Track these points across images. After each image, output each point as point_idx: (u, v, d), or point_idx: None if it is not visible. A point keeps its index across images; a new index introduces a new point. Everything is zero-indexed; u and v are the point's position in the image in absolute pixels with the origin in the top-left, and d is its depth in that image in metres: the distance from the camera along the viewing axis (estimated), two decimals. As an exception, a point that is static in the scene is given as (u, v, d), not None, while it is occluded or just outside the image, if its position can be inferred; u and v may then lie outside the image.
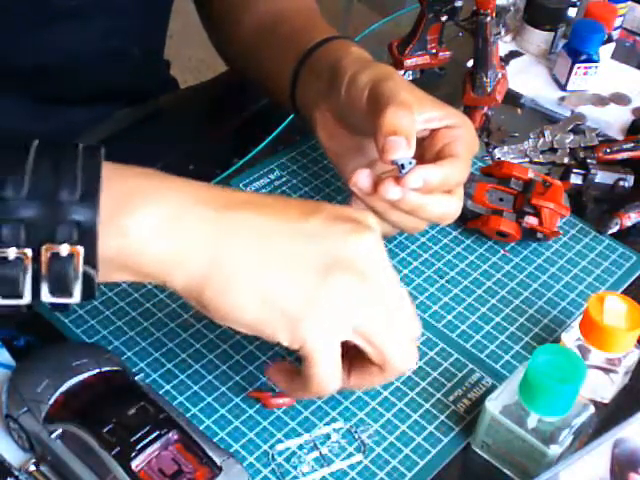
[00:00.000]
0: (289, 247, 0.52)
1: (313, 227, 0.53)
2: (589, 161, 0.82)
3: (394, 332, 0.54)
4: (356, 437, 0.60)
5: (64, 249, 0.47)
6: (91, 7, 0.77)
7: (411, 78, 0.93)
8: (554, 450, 0.55)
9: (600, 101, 0.95)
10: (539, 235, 0.74)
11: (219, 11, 0.88)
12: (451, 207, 0.65)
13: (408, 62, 0.92)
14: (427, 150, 0.66)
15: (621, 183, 0.80)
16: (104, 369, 0.57)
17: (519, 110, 0.95)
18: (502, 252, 0.75)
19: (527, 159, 0.85)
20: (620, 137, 0.89)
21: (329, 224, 0.53)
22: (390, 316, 0.53)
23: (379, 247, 0.54)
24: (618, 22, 1.03)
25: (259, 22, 0.83)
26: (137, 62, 0.86)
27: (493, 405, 0.57)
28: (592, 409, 0.58)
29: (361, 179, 0.61)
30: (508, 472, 0.59)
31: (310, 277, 0.51)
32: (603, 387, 0.63)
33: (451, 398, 0.63)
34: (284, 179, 0.80)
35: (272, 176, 0.80)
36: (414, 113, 0.62)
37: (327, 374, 0.52)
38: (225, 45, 0.89)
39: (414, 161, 0.60)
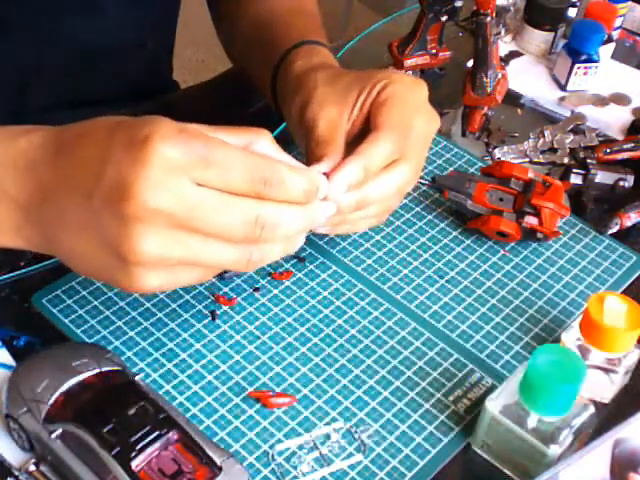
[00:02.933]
0: (82, 214, 0.51)
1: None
2: (589, 161, 0.82)
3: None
4: (356, 437, 0.60)
5: None
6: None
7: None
8: (554, 450, 0.55)
9: (600, 101, 0.95)
10: (539, 235, 0.74)
11: (225, 9, 0.89)
12: (397, 179, 0.63)
13: (408, 62, 0.92)
14: (371, 122, 0.64)
15: (621, 183, 0.80)
16: (104, 369, 0.57)
17: (519, 110, 0.95)
18: (502, 252, 0.75)
19: (527, 159, 0.85)
20: (620, 137, 0.89)
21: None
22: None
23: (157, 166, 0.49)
24: (618, 22, 1.03)
25: (255, 21, 0.83)
26: (151, 57, 0.87)
27: (493, 405, 0.57)
28: (592, 409, 0.58)
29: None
30: (508, 472, 0.59)
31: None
32: (603, 387, 0.63)
33: (451, 398, 0.63)
34: (284, 179, 0.80)
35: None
36: (332, 142, 0.63)
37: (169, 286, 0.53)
38: (228, 43, 0.90)
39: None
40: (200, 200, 0.49)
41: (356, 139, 0.64)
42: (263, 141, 0.54)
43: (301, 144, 0.68)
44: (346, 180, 0.60)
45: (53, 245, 0.54)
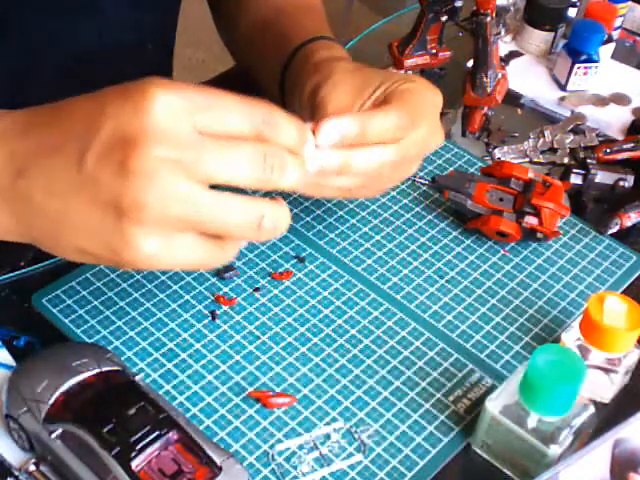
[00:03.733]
0: (73, 198, 0.49)
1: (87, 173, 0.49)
2: (589, 161, 0.82)
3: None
4: (356, 437, 0.60)
5: None
6: (103, 0, 0.78)
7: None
8: (554, 450, 0.55)
9: (600, 101, 0.95)
10: (539, 235, 0.74)
11: (226, 9, 0.89)
12: (389, 155, 0.61)
13: (408, 62, 0.92)
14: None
15: (621, 183, 0.80)
16: (104, 369, 0.57)
17: (519, 110, 0.95)
18: (502, 252, 0.75)
19: (527, 159, 0.85)
20: (620, 137, 0.89)
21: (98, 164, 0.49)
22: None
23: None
24: (618, 22, 1.03)
25: (257, 20, 0.83)
26: (151, 57, 0.87)
27: (493, 405, 0.57)
28: (592, 409, 0.58)
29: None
30: (508, 472, 0.59)
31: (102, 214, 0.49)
32: (603, 387, 0.63)
33: (451, 398, 0.63)
34: (284, 179, 0.80)
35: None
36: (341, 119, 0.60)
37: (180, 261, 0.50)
38: (231, 43, 0.91)
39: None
40: (207, 145, 0.48)
41: None
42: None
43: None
44: (338, 128, 0.57)
45: (30, 226, 0.51)
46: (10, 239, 0.53)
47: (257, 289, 0.69)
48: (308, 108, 0.66)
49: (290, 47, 0.75)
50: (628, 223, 0.78)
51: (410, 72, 0.93)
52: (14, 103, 0.81)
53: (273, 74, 0.77)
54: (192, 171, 0.48)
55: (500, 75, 0.84)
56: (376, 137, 0.60)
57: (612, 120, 0.92)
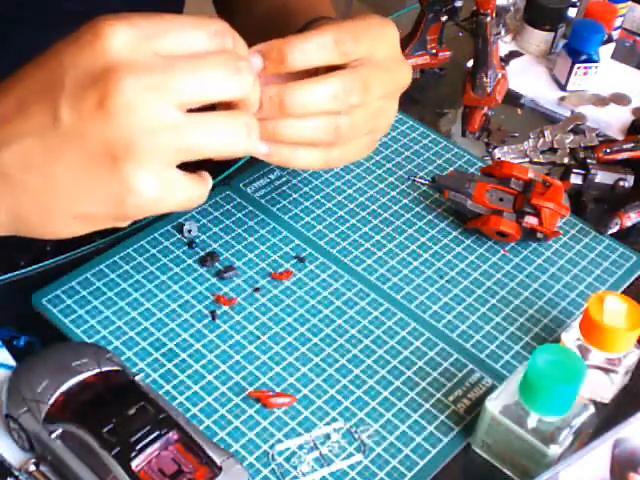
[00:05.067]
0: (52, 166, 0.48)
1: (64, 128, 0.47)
2: (589, 161, 0.82)
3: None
4: (356, 437, 0.60)
5: None
6: (102, 13, 0.77)
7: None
8: (554, 450, 0.55)
9: (600, 101, 0.95)
10: (539, 235, 0.74)
11: (233, 2, 0.88)
12: (334, 85, 0.56)
13: (408, 62, 0.92)
14: None
15: (621, 183, 0.80)
16: (104, 369, 0.57)
17: (519, 110, 0.95)
18: (502, 252, 0.75)
19: (527, 159, 0.85)
20: (620, 137, 0.89)
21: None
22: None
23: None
24: (618, 22, 1.03)
25: (268, 11, 0.82)
26: None
27: (493, 405, 0.57)
28: (592, 409, 0.58)
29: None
30: (508, 472, 0.59)
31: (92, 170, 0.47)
32: (603, 387, 0.63)
33: (451, 398, 0.63)
34: (284, 179, 0.80)
35: (272, 176, 0.80)
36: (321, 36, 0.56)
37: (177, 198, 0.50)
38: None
39: None
40: (175, 64, 0.47)
41: None
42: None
43: None
44: (265, 47, 0.55)
45: (15, 209, 0.50)
46: None
47: (257, 289, 0.69)
48: None
49: (302, 22, 0.72)
50: (628, 223, 0.78)
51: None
52: None
53: None
54: (170, 93, 0.47)
55: (500, 75, 0.84)
56: (311, 59, 0.55)
57: (612, 120, 0.92)
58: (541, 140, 0.87)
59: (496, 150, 0.85)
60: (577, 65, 0.94)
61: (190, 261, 0.71)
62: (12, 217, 0.51)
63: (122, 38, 0.46)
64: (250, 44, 0.88)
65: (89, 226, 0.51)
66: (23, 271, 0.69)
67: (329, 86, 0.56)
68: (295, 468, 0.58)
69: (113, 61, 0.46)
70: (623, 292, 0.72)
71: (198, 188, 0.52)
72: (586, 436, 0.58)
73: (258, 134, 0.51)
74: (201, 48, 0.49)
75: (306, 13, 0.74)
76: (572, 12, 1.02)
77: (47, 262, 0.69)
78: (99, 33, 0.46)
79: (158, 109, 0.47)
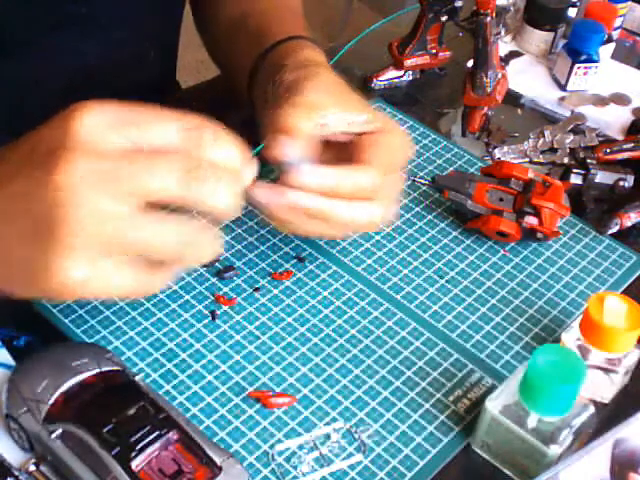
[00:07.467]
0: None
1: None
2: (589, 161, 0.82)
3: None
4: (356, 437, 0.60)
5: None
6: (104, 16, 0.77)
7: (411, 78, 0.93)
8: (554, 450, 0.55)
9: (600, 101, 0.95)
10: (539, 235, 0.74)
11: (203, 9, 0.89)
12: (364, 214, 0.62)
13: (408, 62, 0.92)
14: (353, 155, 0.63)
15: (621, 183, 0.80)
16: (104, 369, 0.57)
17: (519, 110, 0.95)
18: (502, 252, 0.75)
19: (527, 159, 0.85)
20: (620, 137, 0.89)
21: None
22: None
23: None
24: (618, 22, 1.03)
25: (231, 18, 0.83)
26: (153, 65, 0.86)
27: (493, 405, 0.57)
28: (592, 409, 0.58)
29: (259, 191, 0.59)
30: (508, 472, 0.59)
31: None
32: (603, 387, 0.63)
33: (451, 398, 0.63)
34: (284, 179, 0.80)
35: (272, 176, 0.80)
36: (314, 114, 0.60)
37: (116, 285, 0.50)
38: (208, 43, 0.91)
39: (309, 164, 0.59)
40: (131, 156, 0.48)
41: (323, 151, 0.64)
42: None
43: (264, 113, 0.65)
44: (317, 178, 0.59)
45: None
46: None
47: (257, 289, 0.69)
48: (279, 92, 0.65)
49: (270, 41, 0.74)
50: (628, 223, 0.78)
51: (410, 72, 0.93)
52: (14, 118, 0.81)
53: (244, 65, 0.76)
54: (116, 183, 0.47)
55: (500, 75, 0.84)
56: (353, 193, 0.60)
57: (612, 120, 0.92)
58: (541, 140, 0.87)
59: (496, 150, 0.85)
60: (577, 65, 0.94)
61: (190, 261, 0.71)
62: None
63: (90, 122, 0.48)
64: (216, 49, 0.87)
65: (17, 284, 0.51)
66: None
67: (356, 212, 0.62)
68: (295, 468, 0.58)
69: (73, 141, 0.48)
70: (623, 292, 0.72)
71: (143, 281, 0.51)
72: (586, 436, 0.58)
73: (200, 245, 0.51)
74: (167, 142, 0.49)
75: (275, 33, 0.75)
76: (572, 12, 1.02)
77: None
78: (71, 115, 0.49)
79: (101, 196, 0.47)
